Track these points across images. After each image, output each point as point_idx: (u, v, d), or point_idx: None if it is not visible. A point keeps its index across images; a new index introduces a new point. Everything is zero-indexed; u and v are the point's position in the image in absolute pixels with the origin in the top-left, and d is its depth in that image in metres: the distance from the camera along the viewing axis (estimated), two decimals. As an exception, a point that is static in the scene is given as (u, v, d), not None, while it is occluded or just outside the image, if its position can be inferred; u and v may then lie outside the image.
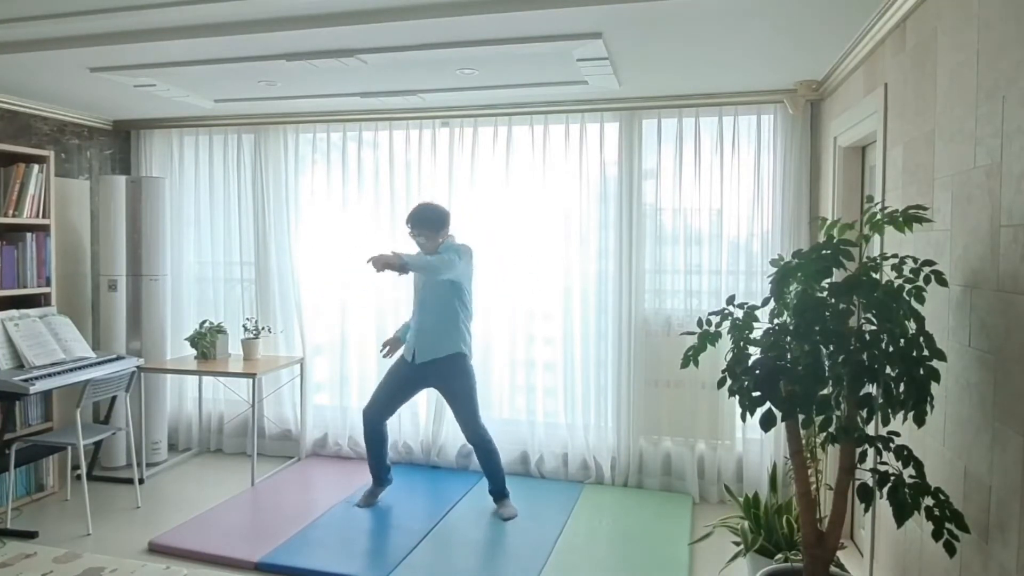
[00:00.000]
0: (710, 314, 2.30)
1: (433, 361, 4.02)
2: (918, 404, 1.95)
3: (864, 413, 2.06)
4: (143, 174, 5.30)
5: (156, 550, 3.62)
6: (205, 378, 5.20)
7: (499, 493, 4.14)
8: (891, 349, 1.97)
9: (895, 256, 2.12)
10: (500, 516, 4.06)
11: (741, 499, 3.31)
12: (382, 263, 3.63)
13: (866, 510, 2.66)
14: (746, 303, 2.29)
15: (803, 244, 4.13)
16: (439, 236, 4.00)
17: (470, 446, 4.59)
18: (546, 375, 4.79)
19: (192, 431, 5.32)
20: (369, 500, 4.21)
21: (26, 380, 3.66)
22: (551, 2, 2.76)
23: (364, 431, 4.18)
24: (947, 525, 1.89)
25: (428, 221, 3.97)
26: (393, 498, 4.30)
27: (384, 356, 4.28)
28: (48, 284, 4.35)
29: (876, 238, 2.56)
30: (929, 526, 1.92)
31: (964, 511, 1.99)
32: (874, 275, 2.05)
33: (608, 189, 4.58)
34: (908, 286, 2.04)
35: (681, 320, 4.44)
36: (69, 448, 4.29)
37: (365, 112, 4.84)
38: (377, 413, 4.14)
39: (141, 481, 4.49)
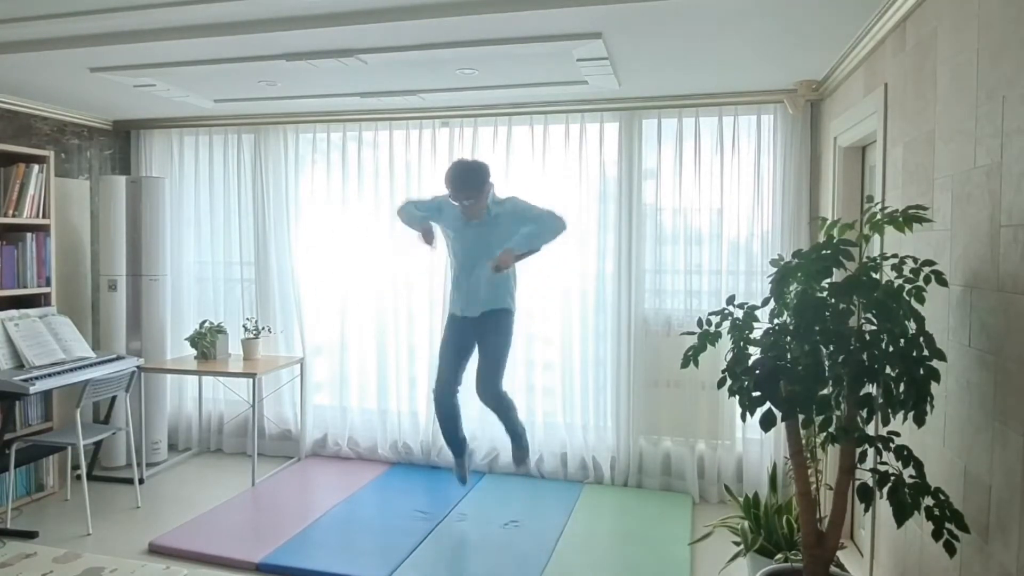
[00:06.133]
0: (710, 314, 2.30)
1: (485, 313, 3.83)
2: (918, 404, 1.95)
3: (864, 413, 2.06)
4: (143, 174, 5.30)
5: (156, 550, 3.62)
6: (205, 378, 5.20)
7: (518, 441, 4.02)
8: (891, 349, 1.97)
9: (895, 256, 2.12)
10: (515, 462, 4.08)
11: (741, 499, 3.31)
12: (508, 263, 3.63)
13: (866, 510, 2.67)
14: (746, 303, 2.30)
15: (803, 244, 4.12)
16: (486, 193, 3.73)
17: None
18: (545, 375, 4.79)
19: (192, 431, 5.32)
20: (462, 472, 4.06)
21: (26, 380, 3.66)
22: (551, 2, 2.76)
23: (436, 410, 3.99)
24: (947, 525, 1.89)
25: (474, 182, 3.65)
26: (393, 498, 4.30)
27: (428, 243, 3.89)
28: (48, 284, 4.34)
29: (876, 238, 2.56)
30: (929, 526, 1.92)
31: (964, 511, 1.99)
32: (874, 275, 2.05)
33: (608, 189, 4.58)
34: (908, 286, 2.04)
35: (681, 320, 4.44)
36: (69, 448, 4.29)
37: (365, 112, 4.84)
38: (447, 386, 3.94)
39: (141, 481, 4.49)
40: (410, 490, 4.45)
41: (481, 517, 4.06)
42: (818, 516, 2.32)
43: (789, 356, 2.09)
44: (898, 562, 2.66)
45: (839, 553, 3.03)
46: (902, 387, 1.96)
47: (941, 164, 2.29)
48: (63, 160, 4.88)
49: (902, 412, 1.97)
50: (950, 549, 1.89)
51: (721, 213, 4.39)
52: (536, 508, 4.14)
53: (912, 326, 1.99)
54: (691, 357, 2.28)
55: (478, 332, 3.89)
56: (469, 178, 3.68)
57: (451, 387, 3.96)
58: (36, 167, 4.24)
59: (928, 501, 1.92)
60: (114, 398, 4.35)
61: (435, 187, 4.82)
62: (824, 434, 2.15)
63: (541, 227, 3.73)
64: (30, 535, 3.76)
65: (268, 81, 4.02)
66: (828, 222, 2.31)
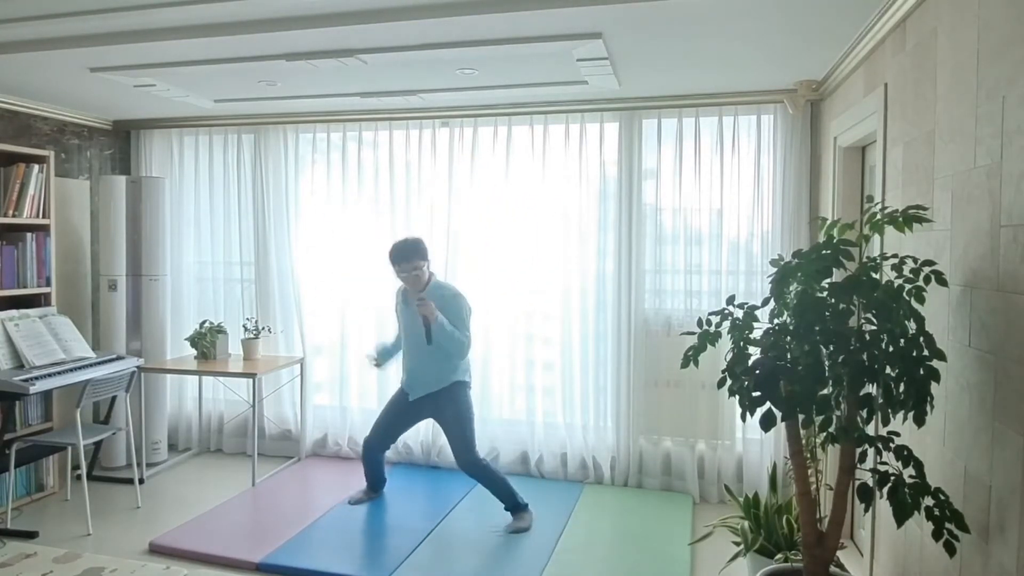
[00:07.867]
0: (710, 314, 2.30)
1: (429, 395, 3.99)
2: (918, 404, 1.95)
3: (864, 413, 2.06)
4: (143, 174, 5.30)
5: (156, 550, 3.62)
6: (205, 378, 5.20)
7: (515, 508, 4.01)
8: (891, 349, 1.97)
9: (895, 256, 2.12)
10: (510, 529, 3.89)
11: (741, 499, 3.31)
12: (427, 310, 3.78)
13: (866, 510, 2.67)
14: (746, 303, 2.29)
15: (803, 244, 4.13)
16: (419, 265, 3.90)
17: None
18: (545, 375, 4.79)
19: (192, 431, 5.32)
20: (360, 499, 4.25)
21: (26, 380, 3.66)
22: (551, 2, 2.76)
23: (362, 456, 4.25)
24: (947, 525, 1.89)
25: (418, 252, 3.89)
26: (393, 499, 4.31)
27: (377, 366, 4.30)
28: (48, 284, 4.34)
29: (876, 238, 2.56)
30: (929, 526, 1.92)
31: (964, 511, 1.99)
32: (874, 275, 2.05)
33: (608, 189, 4.58)
34: (908, 286, 2.04)
35: (681, 320, 4.44)
36: (69, 448, 4.30)
37: (365, 112, 4.84)
38: (378, 442, 4.17)
39: (141, 481, 4.49)
40: (410, 490, 4.45)
41: (481, 517, 4.06)
42: (818, 516, 2.32)
43: (789, 356, 2.09)
44: (898, 562, 2.66)
45: (839, 553, 3.03)
46: (902, 387, 1.96)
47: (941, 164, 2.29)
48: (63, 160, 4.88)
49: (902, 412, 1.97)
50: (950, 549, 1.89)
51: (721, 213, 4.39)
52: (536, 508, 4.13)
53: (912, 326, 1.99)
54: (691, 357, 2.28)
55: (431, 409, 4.05)
56: (414, 248, 3.91)
57: (379, 446, 4.20)
58: (36, 167, 4.24)
59: (928, 501, 1.92)
60: (114, 398, 4.35)
61: (434, 188, 4.84)
62: (824, 434, 2.15)
63: (455, 338, 3.85)
64: (30, 535, 3.76)
65: (268, 81, 4.02)
66: (828, 222, 2.31)
